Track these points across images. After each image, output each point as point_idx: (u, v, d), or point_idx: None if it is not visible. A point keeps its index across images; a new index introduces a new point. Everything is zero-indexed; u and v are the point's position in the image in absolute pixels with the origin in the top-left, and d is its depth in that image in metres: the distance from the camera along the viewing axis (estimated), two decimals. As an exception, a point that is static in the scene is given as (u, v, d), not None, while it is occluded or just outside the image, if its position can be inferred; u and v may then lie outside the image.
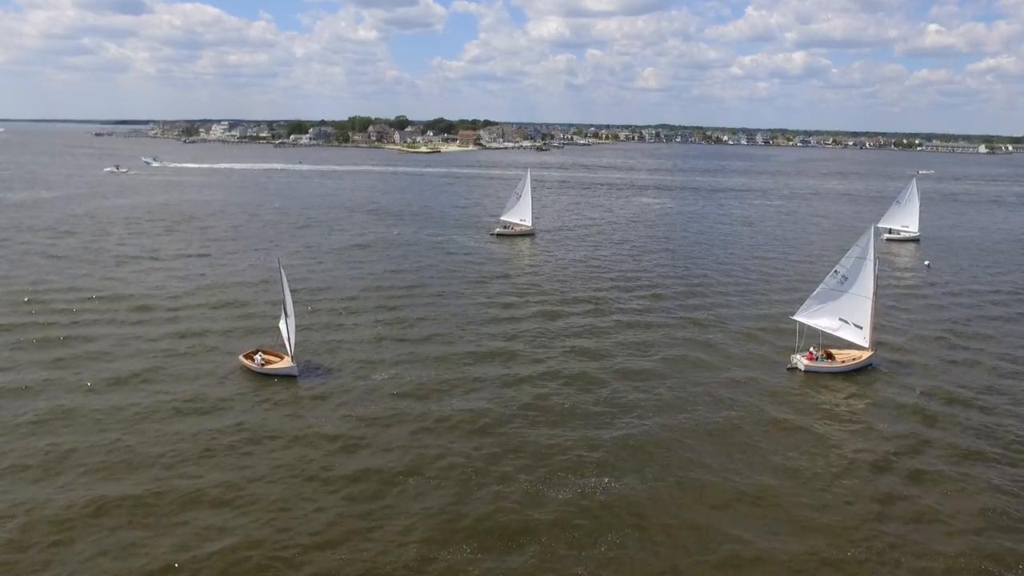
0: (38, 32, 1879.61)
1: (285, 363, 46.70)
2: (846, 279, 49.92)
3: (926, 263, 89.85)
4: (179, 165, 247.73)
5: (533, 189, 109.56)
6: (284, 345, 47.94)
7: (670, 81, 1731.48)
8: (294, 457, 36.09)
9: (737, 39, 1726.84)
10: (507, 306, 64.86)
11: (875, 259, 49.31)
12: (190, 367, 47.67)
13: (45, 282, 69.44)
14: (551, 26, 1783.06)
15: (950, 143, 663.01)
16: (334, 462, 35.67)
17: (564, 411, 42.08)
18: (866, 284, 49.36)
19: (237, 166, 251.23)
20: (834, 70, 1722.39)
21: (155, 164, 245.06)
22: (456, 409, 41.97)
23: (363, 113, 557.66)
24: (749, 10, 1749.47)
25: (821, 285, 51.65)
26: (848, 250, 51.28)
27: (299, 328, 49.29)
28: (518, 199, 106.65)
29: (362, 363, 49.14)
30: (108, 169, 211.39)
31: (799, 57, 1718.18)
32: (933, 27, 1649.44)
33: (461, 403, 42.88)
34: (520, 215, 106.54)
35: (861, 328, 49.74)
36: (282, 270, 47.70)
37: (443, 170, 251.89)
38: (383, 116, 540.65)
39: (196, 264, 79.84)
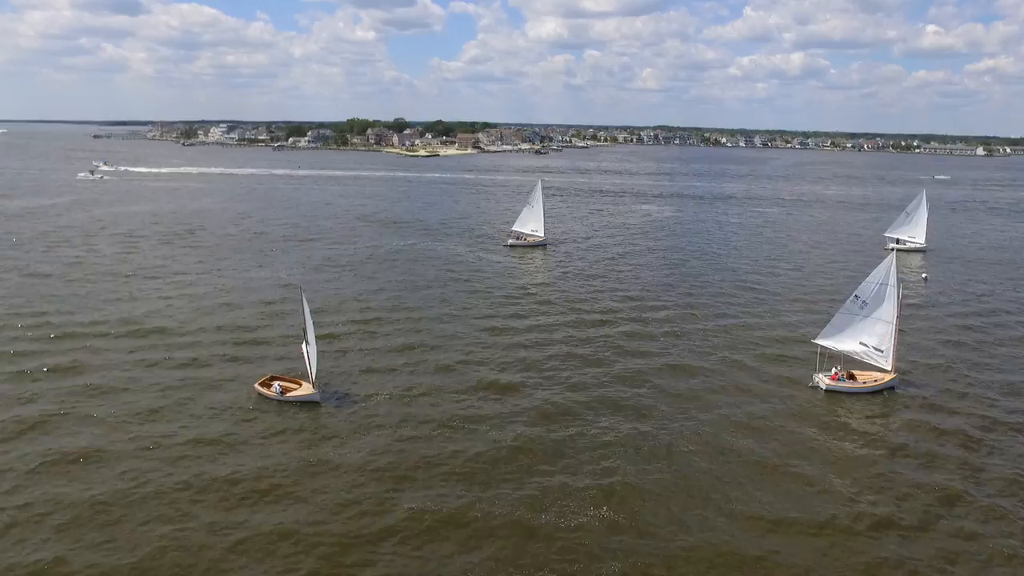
0: (35, 32, 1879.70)
1: (306, 389, 46.29)
2: (866, 304, 50.02)
3: (923, 276, 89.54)
4: (138, 170, 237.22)
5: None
6: (304, 371, 47.58)
7: (668, 82, 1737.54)
8: (330, 487, 35.91)
9: (735, 40, 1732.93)
10: (526, 324, 64.45)
11: (898, 284, 49.34)
12: (203, 398, 46.17)
13: (43, 304, 66.39)
14: (549, 27, 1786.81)
15: (948, 145, 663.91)
16: (370, 494, 35.47)
17: (584, 434, 41.90)
18: (888, 309, 49.46)
19: (210, 170, 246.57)
20: (832, 71, 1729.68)
21: (104, 168, 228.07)
22: (479, 429, 41.88)
23: (361, 113, 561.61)
24: (747, 10, 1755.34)
25: (841, 310, 51.87)
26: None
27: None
28: (530, 209, 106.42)
29: (382, 387, 48.72)
30: (82, 175, 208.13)
31: (797, 58, 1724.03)
32: (931, 28, 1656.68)
33: (484, 424, 42.69)
34: (532, 225, 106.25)
35: (883, 351, 49.79)
36: (303, 296, 47.21)
37: (443, 175, 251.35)
38: (381, 117, 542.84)
39: (195, 283, 76.89)
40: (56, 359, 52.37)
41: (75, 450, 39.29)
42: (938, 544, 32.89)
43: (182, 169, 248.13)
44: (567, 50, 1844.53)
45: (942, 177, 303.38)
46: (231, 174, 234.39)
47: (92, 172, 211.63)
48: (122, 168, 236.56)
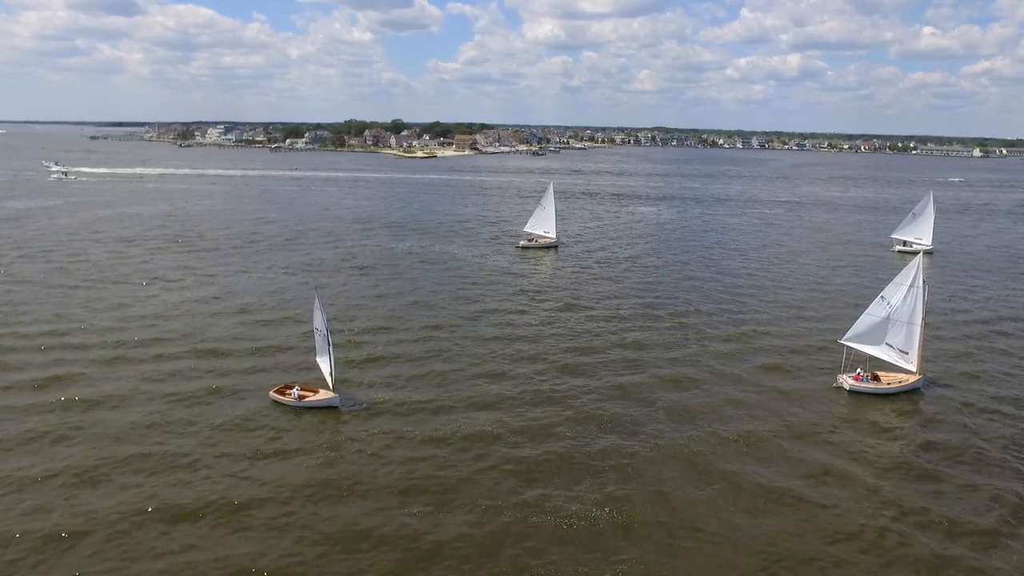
0: (30, 33, 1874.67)
1: (325, 394, 45.28)
2: (892, 305, 49.64)
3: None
4: (102, 170, 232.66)
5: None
6: (318, 377, 46.74)
7: (666, 83, 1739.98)
8: (358, 496, 35.21)
9: (733, 41, 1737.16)
10: (546, 326, 63.71)
11: (924, 285, 48.94)
12: (216, 408, 44.63)
13: (40, 313, 63.41)
14: (546, 28, 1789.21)
15: (944, 146, 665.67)
16: (401, 502, 34.74)
17: (606, 438, 41.25)
18: (914, 311, 49.07)
19: (206, 172, 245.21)
20: (829, 72, 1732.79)
21: (56, 168, 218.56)
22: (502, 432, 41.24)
23: (359, 115, 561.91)
24: (744, 12, 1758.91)
25: (867, 311, 51.47)
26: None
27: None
28: (543, 211, 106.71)
29: (401, 391, 47.84)
30: (55, 176, 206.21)
31: (794, 59, 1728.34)
32: (928, 30, 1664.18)
33: (506, 428, 41.99)
34: (544, 227, 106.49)
35: (908, 353, 49.42)
36: (318, 299, 46.28)
37: (443, 176, 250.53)
38: (379, 118, 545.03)
39: (196, 288, 74.75)
40: (63, 368, 51.00)
41: (83, 462, 38.14)
42: (964, 550, 32.28)
43: (152, 170, 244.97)
44: (564, 51, 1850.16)
45: (955, 179, 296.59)
46: (229, 176, 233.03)
47: (66, 174, 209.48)
48: (75, 169, 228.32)
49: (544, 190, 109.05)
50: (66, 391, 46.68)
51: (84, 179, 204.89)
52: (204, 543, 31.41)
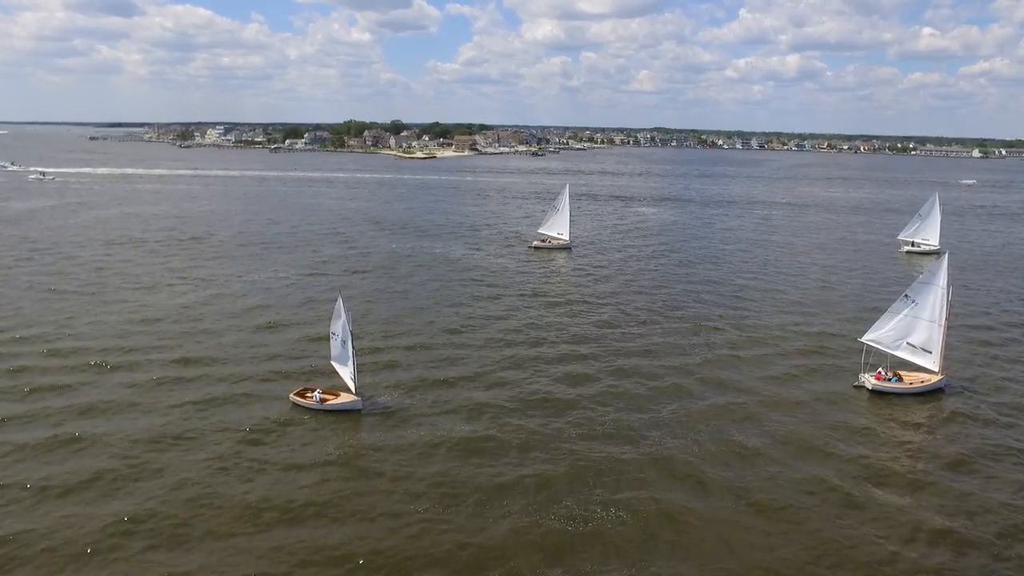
0: (28, 34, 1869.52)
1: (348, 398, 44.82)
2: (916, 304, 49.41)
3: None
4: (80, 170, 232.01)
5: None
6: (341, 382, 46.38)
7: (665, 84, 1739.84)
8: (381, 500, 34.88)
9: (732, 42, 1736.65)
10: (563, 328, 63.44)
11: (949, 286, 48.63)
12: (235, 413, 43.88)
13: (43, 323, 61.30)
14: (545, 28, 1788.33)
15: (943, 147, 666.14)
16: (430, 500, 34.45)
17: (626, 443, 40.98)
18: (937, 310, 48.81)
19: (197, 173, 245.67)
20: (828, 73, 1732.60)
21: (13, 168, 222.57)
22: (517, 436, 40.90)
23: (358, 115, 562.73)
24: (743, 12, 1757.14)
25: (889, 309, 51.29)
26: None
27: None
28: (556, 212, 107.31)
29: (422, 394, 47.49)
30: (33, 176, 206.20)
31: (793, 60, 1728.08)
32: (927, 30, 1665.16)
33: (525, 430, 41.73)
34: (558, 228, 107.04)
35: (930, 352, 49.15)
36: (342, 303, 45.69)
37: (443, 177, 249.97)
38: (378, 118, 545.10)
39: (198, 293, 73.11)
40: (75, 376, 50.24)
41: (99, 472, 37.53)
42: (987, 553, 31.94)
43: (152, 171, 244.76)
44: (563, 52, 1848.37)
45: (968, 181, 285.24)
46: (230, 176, 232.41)
47: (43, 174, 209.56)
48: (31, 169, 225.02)
49: (551, 190, 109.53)
50: (79, 402, 45.87)
51: (77, 181, 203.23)
52: (226, 545, 31.09)
